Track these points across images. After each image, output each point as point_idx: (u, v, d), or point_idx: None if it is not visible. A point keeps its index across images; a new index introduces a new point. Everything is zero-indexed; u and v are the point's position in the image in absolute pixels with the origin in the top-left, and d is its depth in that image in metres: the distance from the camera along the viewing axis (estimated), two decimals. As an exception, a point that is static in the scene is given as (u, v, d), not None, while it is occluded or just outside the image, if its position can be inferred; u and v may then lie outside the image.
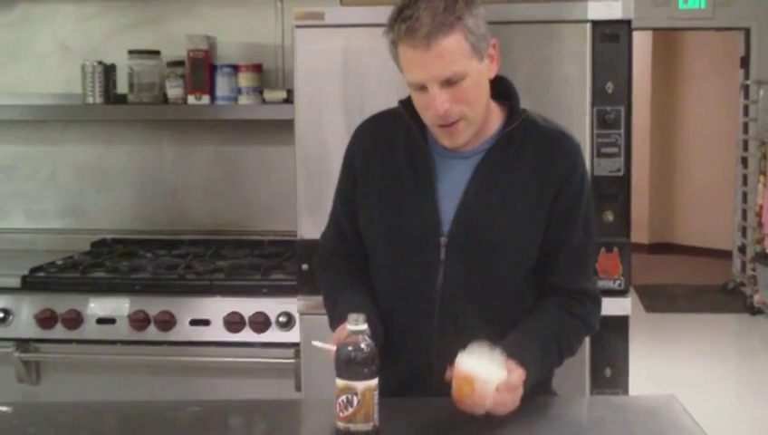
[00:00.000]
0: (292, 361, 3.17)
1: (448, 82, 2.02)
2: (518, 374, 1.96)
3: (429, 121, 2.10)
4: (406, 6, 2.02)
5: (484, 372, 1.89)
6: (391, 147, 2.22)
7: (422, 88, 2.04)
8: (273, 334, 3.23)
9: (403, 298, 2.18)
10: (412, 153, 2.20)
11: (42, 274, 3.43)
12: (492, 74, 2.13)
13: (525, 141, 2.17)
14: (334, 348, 1.94)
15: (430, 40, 1.98)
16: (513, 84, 2.19)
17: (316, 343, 1.99)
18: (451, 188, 2.16)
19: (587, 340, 2.94)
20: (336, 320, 2.16)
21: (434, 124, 2.10)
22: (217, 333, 3.25)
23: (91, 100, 3.81)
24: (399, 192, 2.19)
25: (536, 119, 2.21)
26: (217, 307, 3.27)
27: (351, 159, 2.30)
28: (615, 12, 2.91)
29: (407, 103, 2.20)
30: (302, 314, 3.11)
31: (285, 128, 3.21)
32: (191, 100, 3.74)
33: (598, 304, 2.26)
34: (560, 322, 2.16)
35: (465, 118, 2.08)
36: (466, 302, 2.15)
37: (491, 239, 2.14)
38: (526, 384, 1.99)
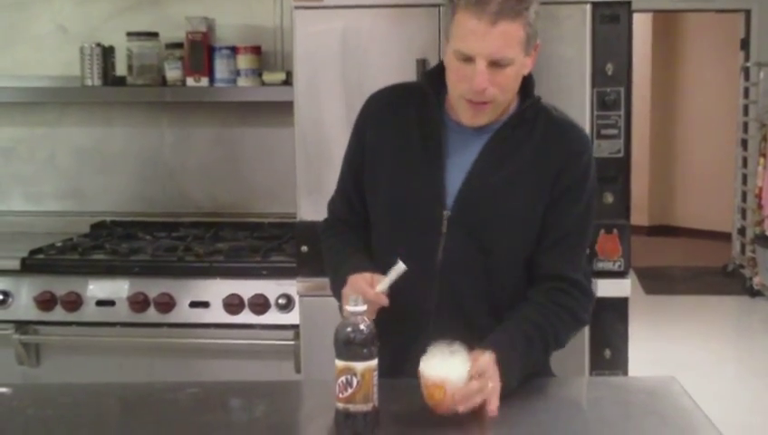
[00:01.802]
0: (292, 342, 3.18)
1: (495, 64, 2.03)
2: (485, 361, 1.92)
3: (460, 93, 2.10)
4: None
5: (451, 372, 1.86)
6: (404, 118, 2.23)
7: (466, 59, 2.04)
8: (272, 316, 3.23)
9: None
10: (425, 126, 2.20)
11: (41, 256, 3.43)
12: (527, 71, 2.14)
13: (535, 125, 2.18)
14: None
15: (497, 19, 1.99)
16: (530, 73, 2.19)
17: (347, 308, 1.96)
18: (459, 163, 2.17)
19: (586, 321, 2.94)
20: (339, 282, 2.15)
21: (463, 97, 2.09)
22: (217, 315, 3.25)
23: (89, 82, 3.80)
24: (408, 163, 2.20)
25: (548, 107, 2.23)
26: (217, 289, 3.27)
27: (363, 126, 2.30)
28: (615, -7, 2.91)
29: (430, 75, 2.23)
30: (301, 295, 3.11)
31: (284, 110, 3.21)
32: (190, 82, 3.74)
33: (588, 297, 2.23)
34: (545, 314, 2.13)
35: (495, 102, 2.09)
36: (465, 276, 2.15)
37: (491, 217, 2.15)
38: (506, 375, 1.96)
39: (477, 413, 1.89)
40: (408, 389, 1.98)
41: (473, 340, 2.10)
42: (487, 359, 1.93)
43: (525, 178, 2.16)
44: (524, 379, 2.05)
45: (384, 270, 2.07)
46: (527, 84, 2.19)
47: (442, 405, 1.88)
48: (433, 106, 2.20)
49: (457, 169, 2.17)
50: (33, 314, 3.31)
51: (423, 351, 2.04)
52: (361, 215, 2.31)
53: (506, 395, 1.95)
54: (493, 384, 1.92)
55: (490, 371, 1.93)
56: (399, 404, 1.95)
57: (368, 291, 2.02)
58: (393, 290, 2.12)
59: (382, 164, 2.23)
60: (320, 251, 2.43)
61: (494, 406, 1.90)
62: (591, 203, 2.22)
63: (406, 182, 2.19)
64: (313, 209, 2.78)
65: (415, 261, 2.14)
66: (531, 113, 2.18)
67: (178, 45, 3.76)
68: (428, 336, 2.12)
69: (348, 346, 1.80)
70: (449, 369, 1.87)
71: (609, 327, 3.00)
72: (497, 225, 2.15)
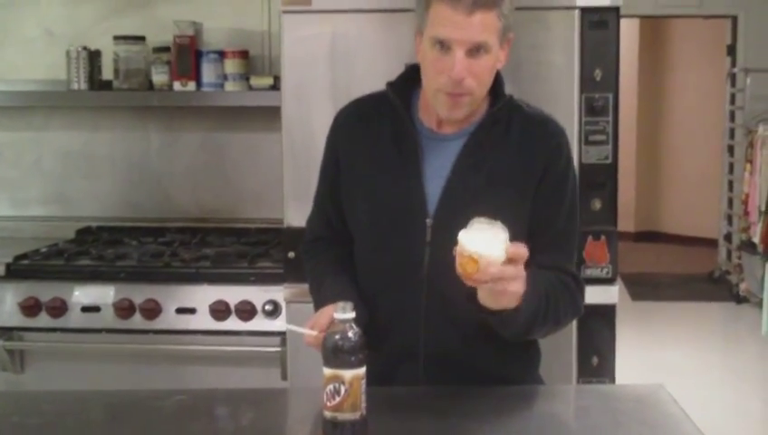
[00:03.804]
0: (279, 349, 3.16)
1: (472, 52, 2.02)
2: (523, 248, 1.91)
3: (437, 87, 2.08)
4: None
5: (487, 250, 1.84)
6: (375, 130, 2.21)
7: (444, 49, 2.03)
8: (259, 323, 3.21)
9: (389, 281, 2.17)
10: (398, 135, 2.18)
11: (26, 261, 3.41)
12: (501, 65, 2.13)
13: (510, 125, 2.17)
14: (309, 332, 1.94)
15: (473, 9, 1.99)
16: (499, 71, 2.18)
17: (291, 327, 1.98)
18: (437, 170, 2.15)
19: (573, 327, 2.94)
20: (319, 307, 2.15)
21: (441, 90, 2.07)
22: (203, 321, 3.23)
23: (75, 86, 3.78)
24: (385, 175, 2.18)
25: (521, 104, 2.22)
26: (203, 295, 3.25)
27: (334, 142, 2.29)
28: (603, -1, 2.91)
29: (395, 85, 2.20)
30: (288, 302, 3.09)
31: (272, 114, 3.19)
32: (177, 86, 3.72)
33: (581, 289, 2.22)
34: (549, 279, 2.11)
35: (472, 94, 2.08)
36: (453, 284, 2.13)
37: (476, 220, 2.13)
38: (528, 299, 1.95)
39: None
40: (398, 397, 1.97)
41: (464, 347, 2.10)
42: (525, 250, 1.91)
43: (508, 178, 2.14)
44: (514, 373, 2.02)
45: (371, 284, 2.05)
46: (497, 83, 2.18)
47: (470, 278, 1.86)
48: (403, 115, 2.18)
49: (436, 175, 2.15)
50: (17, 320, 3.28)
51: (414, 359, 2.03)
52: (341, 231, 2.29)
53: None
54: (521, 284, 1.92)
55: (523, 266, 1.91)
56: (389, 413, 1.94)
57: (315, 326, 2.02)
58: (381, 300, 2.11)
59: (359, 178, 2.22)
60: (302, 257, 2.42)
61: (514, 300, 1.92)
62: (575, 194, 2.21)
63: (385, 194, 2.17)
64: (301, 215, 2.76)
65: (401, 271, 2.14)
66: (504, 112, 2.17)
67: (165, 49, 3.75)
68: (418, 346, 2.12)
69: (336, 354, 1.79)
70: (487, 245, 1.85)
71: (597, 334, 3.00)
72: None
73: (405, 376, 2.14)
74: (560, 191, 2.17)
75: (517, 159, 2.15)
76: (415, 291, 2.14)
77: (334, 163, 2.28)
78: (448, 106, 2.10)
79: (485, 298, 1.93)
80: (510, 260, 1.87)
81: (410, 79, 2.19)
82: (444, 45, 2.03)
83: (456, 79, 2.03)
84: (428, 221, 2.14)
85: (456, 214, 2.11)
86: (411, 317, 2.14)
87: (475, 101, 2.11)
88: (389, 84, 2.22)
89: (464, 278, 1.87)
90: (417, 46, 2.13)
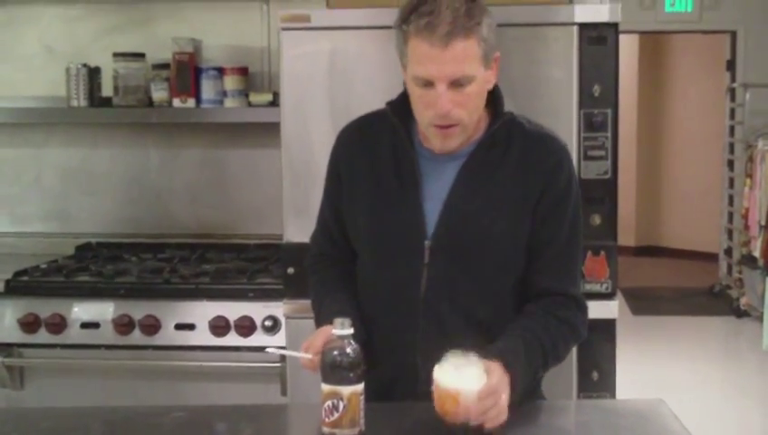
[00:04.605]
0: (278, 365, 3.16)
1: (455, 84, 2.02)
2: (499, 376, 1.91)
3: (427, 121, 2.09)
4: (424, 2, 2.02)
5: (465, 383, 1.85)
6: (376, 149, 2.22)
7: (427, 85, 2.03)
8: (258, 338, 3.21)
9: (388, 301, 2.17)
10: (397, 156, 2.19)
11: (25, 278, 3.41)
12: (490, 85, 2.13)
13: (510, 143, 2.16)
14: (304, 356, 1.95)
15: (449, 40, 1.98)
16: (497, 87, 2.19)
17: (285, 353, 1.99)
18: (436, 191, 2.15)
19: (574, 343, 2.93)
20: (319, 325, 2.16)
21: (430, 124, 2.09)
22: (203, 337, 3.23)
23: (75, 102, 3.79)
24: (384, 195, 2.18)
25: (521, 121, 2.21)
26: (203, 311, 3.25)
27: (336, 161, 2.30)
28: (602, 15, 2.91)
29: (394, 105, 2.20)
30: (288, 317, 3.09)
31: (271, 131, 3.20)
32: (176, 103, 3.73)
33: (584, 311, 2.23)
34: (545, 325, 2.12)
35: (462, 123, 2.08)
36: (451, 305, 2.14)
37: (475, 242, 2.13)
38: (514, 387, 1.95)
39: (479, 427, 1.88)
40: (396, 413, 1.97)
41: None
42: (499, 373, 1.91)
43: (508, 198, 2.14)
44: (519, 398, 2.03)
45: (370, 303, 2.05)
46: (496, 100, 2.18)
47: (451, 415, 1.86)
48: (403, 137, 2.18)
49: (434, 196, 2.15)
50: (16, 336, 3.28)
51: (412, 378, 2.03)
52: (344, 248, 2.30)
53: (510, 406, 1.93)
54: (504, 396, 1.91)
55: (502, 385, 1.91)
56: (387, 429, 1.93)
57: (309, 348, 2.03)
58: (379, 320, 2.12)
59: (360, 197, 2.22)
60: (306, 273, 2.43)
61: (503, 419, 1.90)
62: (578, 212, 2.21)
63: (384, 214, 2.18)
64: (300, 231, 2.77)
65: (399, 291, 2.14)
66: (503, 130, 2.17)
67: (165, 66, 3.75)
68: (415, 365, 2.11)
69: (334, 370, 1.79)
70: (464, 379, 1.85)
71: (597, 349, 2.99)
72: (481, 249, 2.14)
73: (403, 393, 2.14)
74: (560, 211, 2.16)
75: (517, 178, 2.14)
76: (412, 310, 2.14)
77: (337, 181, 2.28)
78: (440, 138, 2.11)
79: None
80: (488, 394, 1.86)
81: (409, 98, 2.18)
82: (426, 82, 2.03)
83: (442, 112, 2.03)
84: (427, 242, 2.14)
85: (454, 236, 2.12)
86: (409, 335, 2.15)
87: (467, 129, 2.11)
88: (389, 104, 2.22)
89: (445, 417, 1.87)
90: (406, 79, 2.13)
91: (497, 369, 1.92)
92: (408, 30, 2.04)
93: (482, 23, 2.02)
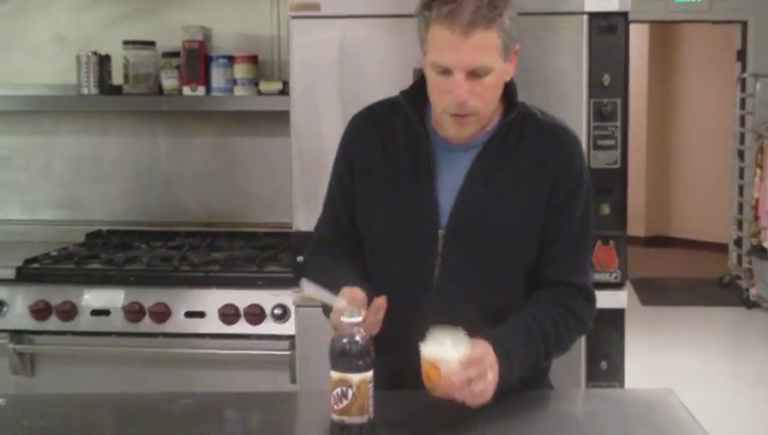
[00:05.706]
0: (288, 353, 3.17)
1: (473, 74, 2.02)
2: (483, 349, 1.91)
3: (442, 108, 2.09)
4: None
5: (447, 352, 1.87)
6: (390, 137, 2.21)
7: (445, 72, 2.03)
8: (268, 326, 3.21)
9: (400, 290, 2.17)
10: (412, 145, 2.19)
11: (36, 265, 3.42)
12: (508, 77, 2.13)
13: (523, 134, 2.17)
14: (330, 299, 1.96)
15: (470, 29, 1.98)
16: (512, 78, 2.18)
17: (318, 293, 1.98)
18: (450, 181, 2.16)
19: (583, 332, 2.94)
20: (337, 286, 2.10)
21: (446, 111, 2.09)
22: (212, 325, 3.24)
23: (85, 90, 3.79)
24: (398, 184, 2.18)
25: (534, 111, 2.21)
26: (212, 299, 3.25)
27: (348, 147, 2.29)
28: (612, 4, 2.91)
29: (408, 94, 2.20)
30: (297, 306, 3.10)
31: (281, 119, 3.20)
32: (186, 91, 3.73)
33: (591, 303, 2.22)
34: (549, 313, 2.12)
35: (477, 113, 2.08)
36: (464, 294, 2.14)
37: (489, 231, 2.13)
38: (508, 368, 1.95)
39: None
40: (405, 401, 1.97)
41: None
42: (484, 347, 1.92)
43: (521, 189, 2.14)
44: (524, 379, 2.03)
45: (382, 291, 2.05)
46: (510, 91, 2.17)
47: (436, 386, 1.88)
48: (417, 126, 2.18)
49: (449, 186, 2.15)
50: (27, 323, 3.30)
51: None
52: (352, 238, 2.28)
53: (504, 390, 1.94)
54: (491, 375, 1.91)
55: (488, 360, 1.92)
56: (396, 417, 1.94)
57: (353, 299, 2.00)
58: (391, 308, 2.11)
59: (373, 185, 2.22)
60: (306, 262, 2.42)
61: (488, 396, 1.90)
62: (590, 204, 2.21)
63: (398, 203, 2.18)
64: (310, 219, 2.76)
65: (411, 281, 2.14)
66: (517, 121, 2.17)
67: (175, 54, 3.76)
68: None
69: (343, 358, 1.80)
70: (446, 351, 1.87)
71: (606, 339, 2.99)
72: (495, 239, 2.14)
73: (413, 382, 2.14)
74: (572, 202, 2.17)
75: (529, 169, 2.15)
76: (425, 299, 2.15)
77: (348, 167, 2.27)
78: (455, 126, 2.11)
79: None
80: (470, 363, 1.87)
81: (423, 87, 2.17)
82: (444, 69, 2.03)
83: (458, 102, 2.03)
84: (441, 232, 2.14)
85: (468, 225, 2.12)
86: (421, 326, 2.14)
87: (482, 119, 2.12)
88: (403, 93, 2.22)
89: (432, 391, 1.90)
90: (424, 66, 2.13)
91: (482, 344, 1.93)
92: (429, 16, 2.04)
93: (504, 14, 2.02)
